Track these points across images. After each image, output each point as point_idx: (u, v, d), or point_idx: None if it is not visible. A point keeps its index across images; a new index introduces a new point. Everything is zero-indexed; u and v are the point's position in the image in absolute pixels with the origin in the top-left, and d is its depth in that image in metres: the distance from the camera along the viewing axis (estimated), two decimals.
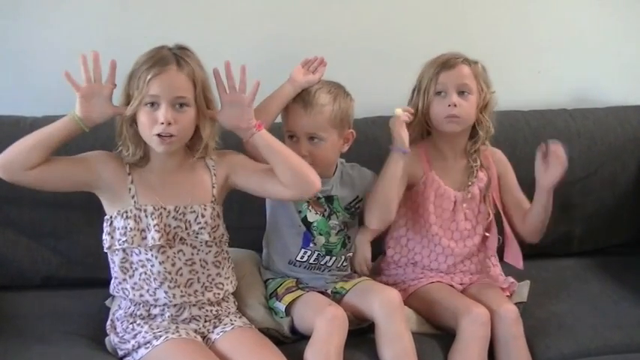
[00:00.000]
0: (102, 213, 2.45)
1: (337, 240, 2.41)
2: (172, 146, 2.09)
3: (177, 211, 2.15)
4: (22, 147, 2.06)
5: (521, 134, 2.81)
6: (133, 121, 2.09)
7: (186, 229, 2.16)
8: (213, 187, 2.21)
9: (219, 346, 2.15)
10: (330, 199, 2.38)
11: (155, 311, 2.18)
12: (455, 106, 2.36)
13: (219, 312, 2.24)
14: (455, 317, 2.25)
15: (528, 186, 2.76)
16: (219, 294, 2.24)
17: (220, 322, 2.23)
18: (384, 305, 2.19)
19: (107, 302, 2.40)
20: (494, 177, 2.51)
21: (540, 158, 2.39)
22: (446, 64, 2.37)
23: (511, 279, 2.52)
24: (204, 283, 2.22)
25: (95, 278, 2.51)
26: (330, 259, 2.41)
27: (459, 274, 2.49)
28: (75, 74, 2.67)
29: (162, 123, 2.03)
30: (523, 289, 2.51)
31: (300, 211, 2.37)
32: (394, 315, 2.18)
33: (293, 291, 2.32)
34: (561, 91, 3.09)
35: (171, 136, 2.05)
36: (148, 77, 2.03)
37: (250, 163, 2.25)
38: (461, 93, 2.37)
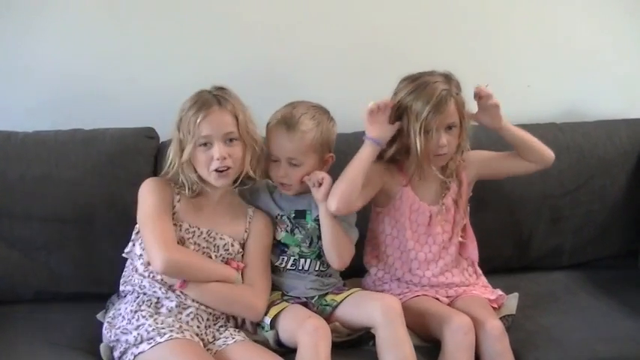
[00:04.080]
0: (94, 227, 2.48)
1: (310, 251, 2.46)
2: (229, 178, 2.30)
3: (209, 234, 2.33)
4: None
5: (511, 148, 2.79)
6: (191, 164, 2.29)
7: (214, 251, 2.32)
8: (246, 232, 2.39)
9: (223, 357, 2.18)
10: (301, 213, 2.45)
11: (161, 304, 2.24)
12: (445, 146, 2.38)
13: (220, 319, 2.30)
14: (439, 328, 2.26)
15: (516, 198, 2.81)
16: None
17: (221, 335, 2.26)
18: (385, 312, 2.21)
19: (99, 316, 2.41)
20: (463, 183, 2.53)
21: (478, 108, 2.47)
22: (438, 107, 2.34)
23: (499, 291, 2.52)
24: None
25: (87, 292, 2.54)
26: (306, 261, 2.45)
27: (443, 287, 2.49)
28: (66, 90, 2.72)
29: (218, 159, 2.23)
30: (512, 301, 2.51)
31: None
32: (395, 321, 2.20)
33: (277, 304, 2.34)
34: (550, 104, 3.10)
35: (228, 168, 2.26)
36: (198, 120, 2.23)
37: (259, 240, 2.40)
38: (447, 128, 2.39)
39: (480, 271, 2.59)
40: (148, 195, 2.29)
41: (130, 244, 2.32)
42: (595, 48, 3.13)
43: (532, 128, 2.86)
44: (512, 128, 2.50)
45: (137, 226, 2.31)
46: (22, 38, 2.69)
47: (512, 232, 2.83)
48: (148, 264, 2.25)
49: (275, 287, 2.43)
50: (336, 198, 2.32)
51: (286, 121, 2.36)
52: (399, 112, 2.39)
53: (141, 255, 2.28)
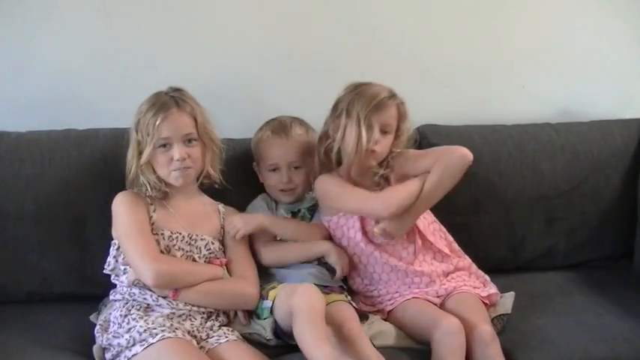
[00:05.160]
0: (86, 228, 2.47)
1: None
2: (189, 177, 2.35)
3: (191, 237, 2.35)
4: None
5: (505, 148, 2.81)
6: (150, 165, 2.32)
7: (197, 253, 2.34)
8: (222, 227, 2.44)
9: (215, 356, 2.17)
10: (296, 212, 2.58)
11: (152, 309, 2.25)
12: (376, 143, 2.40)
13: (213, 317, 2.30)
14: (428, 332, 2.25)
15: (510, 198, 2.80)
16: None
17: (214, 333, 2.26)
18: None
19: (91, 317, 2.40)
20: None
21: None
22: (380, 105, 2.39)
23: (492, 288, 2.51)
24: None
25: (80, 294, 2.53)
26: None
27: (425, 278, 2.48)
28: (58, 90, 2.71)
29: (178, 160, 2.28)
30: (507, 300, 2.50)
31: None
32: (357, 340, 2.21)
33: (276, 287, 2.34)
34: (545, 105, 3.09)
35: (188, 168, 2.31)
36: (157, 122, 2.27)
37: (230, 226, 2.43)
38: (383, 132, 2.42)
39: (459, 257, 2.58)
40: (123, 210, 2.31)
41: (112, 260, 2.32)
42: (589, 48, 3.13)
43: (527, 128, 2.89)
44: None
45: (115, 242, 2.33)
46: (16, 38, 2.68)
47: (506, 232, 2.83)
48: (135, 280, 2.25)
49: (269, 278, 2.45)
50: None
51: (281, 129, 2.53)
52: (337, 114, 2.43)
53: (125, 269, 2.28)
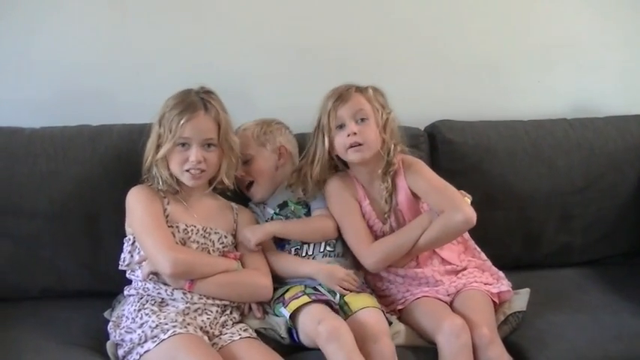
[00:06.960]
0: (100, 225, 2.47)
1: None
2: (201, 180, 2.36)
3: (205, 230, 2.36)
4: None
5: (521, 144, 2.81)
6: (165, 161, 2.33)
7: (211, 246, 2.36)
8: (235, 223, 2.45)
9: (228, 353, 2.17)
10: (283, 205, 2.55)
11: (166, 303, 2.25)
12: (355, 134, 2.39)
13: (227, 312, 2.30)
14: (433, 334, 2.24)
15: (526, 195, 2.80)
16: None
17: (227, 331, 2.26)
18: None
19: (105, 314, 2.40)
20: (399, 190, 2.50)
21: None
22: (340, 97, 2.42)
23: (504, 285, 2.48)
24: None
25: (93, 290, 2.53)
26: (309, 246, 2.49)
27: (440, 284, 2.45)
28: (72, 86, 2.71)
29: (193, 161, 2.29)
30: (523, 297, 2.48)
31: None
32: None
33: (299, 297, 2.31)
34: (561, 100, 3.09)
35: (202, 171, 2.32)
36: (181, 122, 2.28)
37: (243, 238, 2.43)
38: (360, 120, 2.41)
39: (472, 257, 2.57)
40: (138, 204, 2.32)
41: (127, 255, 2.33)
42: (606, 44, 3.12)
43: (542, 124, 2.87)
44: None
45: (129, 237, 2.35)
46: (28, 35, 2.68)
47: (522, 229, 2.82)
48: (150, 274, 2.26)
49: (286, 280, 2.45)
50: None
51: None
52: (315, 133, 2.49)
53: (141, 263, 2.29)
